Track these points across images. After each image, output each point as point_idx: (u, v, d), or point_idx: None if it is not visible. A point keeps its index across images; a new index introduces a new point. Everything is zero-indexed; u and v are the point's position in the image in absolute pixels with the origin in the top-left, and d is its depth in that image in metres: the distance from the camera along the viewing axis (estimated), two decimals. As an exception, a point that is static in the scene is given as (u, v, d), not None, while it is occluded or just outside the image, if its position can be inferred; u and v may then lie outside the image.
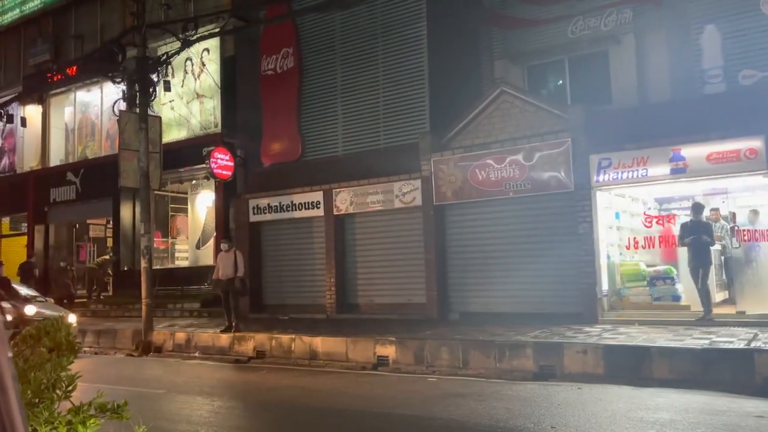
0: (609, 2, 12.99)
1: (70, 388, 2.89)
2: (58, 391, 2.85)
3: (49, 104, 21.90)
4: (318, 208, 14.25)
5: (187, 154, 16.95)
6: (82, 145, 21.33)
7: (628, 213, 11.92)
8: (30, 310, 10.43)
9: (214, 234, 17.31)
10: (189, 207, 19.49)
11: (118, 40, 13.94)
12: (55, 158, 21.77)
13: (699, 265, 9.88)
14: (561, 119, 11.37)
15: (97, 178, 19.33)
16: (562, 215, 11.26)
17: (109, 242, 20.64)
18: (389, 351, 9.83)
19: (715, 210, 11.35)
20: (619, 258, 11.56)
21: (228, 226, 16.42)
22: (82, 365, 8.98)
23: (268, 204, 15.09)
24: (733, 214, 10.97)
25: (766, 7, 10.92)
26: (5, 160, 23.37)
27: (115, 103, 13.98)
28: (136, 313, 14.85)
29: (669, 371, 7.64)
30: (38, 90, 20.61)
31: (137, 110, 13.15)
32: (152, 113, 13.97)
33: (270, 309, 14.99)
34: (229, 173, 16.13)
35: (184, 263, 19.52)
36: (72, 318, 11.27)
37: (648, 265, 11.28)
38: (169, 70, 14.40)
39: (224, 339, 11.74)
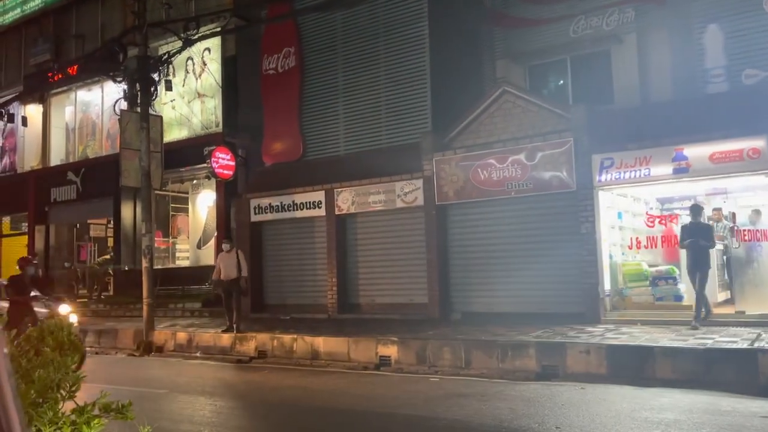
0: (611, 2, 12.96)
1: (74, 388, 2.87)
2: (62, 391, 2.83)
3: (50, 104, 21.88)
4: (319, 207, 14.23)
5: (188, 154, 16.94)
6: (83, 144, 21.32)
7: (630, 213, 11.90)
8: (63, 309, 10.12)
9: (215, 234, 17.29)
10: (190, 207, 19.47)
11: (120, 39, 13.92)
12: (56, 158, 21.75)
13: (696, 269, 9.57)
14: (563, 119, 11.35)
15: (97, 178, 19.33)
16: (564, 215, 11.23)
17: (110, 242, 20.62)
18: (391, 351, 9.81)
19: (718, 210, 11.31)
20: (622, 258, 11.53)
21: (229, 225, 16.40)
22: (84, 365, 8.96)
23: (270, 204, 15.07)
24: (733, 215, 10.94)
25: (769, 6, 10.90)
26: (6, 160, 23.35)
27: (116, 102, 13.97)
28: (137, 313, 14.83)
29: (672, 371, 7.62)
30: (39, 89, 20.59)
31: (138, 110, 13.13)
32: (153, 113, 13.95)
33: (271, 309, 14.97)
34: (231, 173, 16.11)
35: (185, 263, 19.50)
36: (73, 318, 11.24)
37: (650, 265, 11.26)
38: (170, 70, 14.36)
39: (226, 339, 11.72)
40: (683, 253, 10.50)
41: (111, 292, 19.75)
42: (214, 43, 16.92)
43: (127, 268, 18.94)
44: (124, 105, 13.84)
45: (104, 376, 9.03)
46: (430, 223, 12.64)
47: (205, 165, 16.27)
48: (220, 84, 17.13)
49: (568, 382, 7.82)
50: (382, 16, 14.17)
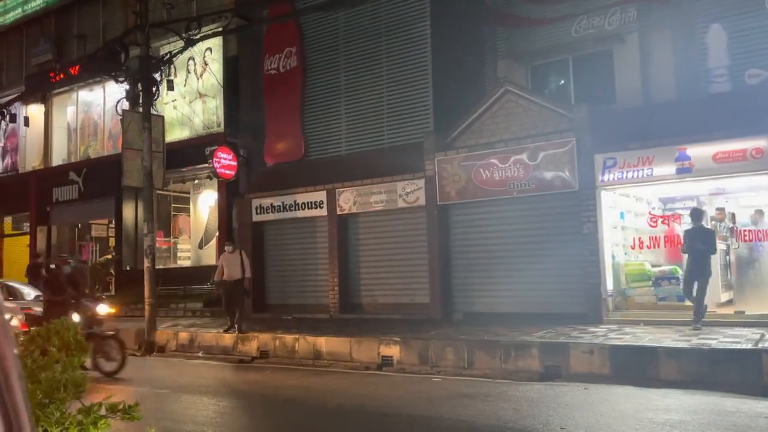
0: (613, 1, 12.96)
1: (80, 388, 2.87)
2: (68, 391, 2.83)
3: (52, 104, 21.88)
4: (321, 207, 14.22)
5: (189, 154, 16.93)
6: (85, 144, 21.31)
7: (632, 213, 11.89)
8: (102, 309, 9.91)
9: (217, 234, 17.29)
10: (191, 207, 19.46)
11: (121, 39, 13.90)
12: (58, 158, 21.75)
13: (694, 276, 9.33)
14: (565, 119, 11.33)
15: (99, 178, 19.32)
16: (566, 215, 11.22)
17: (112, 242, 20.61)
18: (393, 351, 9.80)
19: (720, 209, 11.27)
20: (624, 258, 11.52)
21: (231, 225, 16.39)
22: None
23: (271, 204, 15.06)
24: (732, 215, 10.90)
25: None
26: (8, 160, 23.35)
27: (118, 102, 13.95)
28: (138, 313, 14.83)
29: (676, 372, 7.61)
30: (41, 89, 20.59)
31: (140, 109, 13.13)
32: (155, 112, 13.94)
33: (273, 309, 14.96)
34: (232, 173, 16.10)
35: (187, 263, 19.49)
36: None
37: (653, 265, 11.26)
38: (172, 70, 14.35)
39: (228, 339, 11.71)
40: (686, 257, 10.44)
41: (112, 292, 19.74)
42: (216, 43, 16.91)
43: (128, 268, 18.93)
44: (125, 105, 13.83)
45: (101, 375, 9.03)
46: (432, 223, 12.63)
47: (206, 165, 16.26)
48: (222, 84, 17.12)
49: (571, 382, 7.81)
50: (384, 16, 14.16)
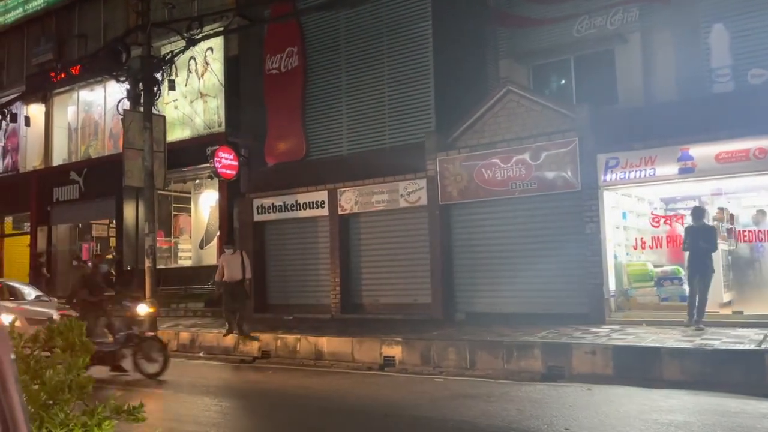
0: (615, 1, 12.93)
1: (85, 389, 2.85)
2: (73, 392, 2.80)
3: (52, 103, 21.85)
4: (322, 207, 14.20)
5: (190, 154, 16.90)
6: (85, 144, 21.28)
7: (634, 213, 11.86)
8: (142, 309, 9.66)
9: (218, 234, 17.27)
10: (192, 206, 19.43)
11: (123, 38, 13.88)
12: (58, 157, 21.72)
13: (696, 273, 9.26)
14: (568, 118, 11.31)
15: (100, 178, 19.28)
16: (568, 215, 11.20)
17: (112, 242, 20.59)
18: (395, 351, 9.78)
19: (722, 209, 11.24)
20: (626, 258, 11.49)
21: (232, 225, 16.37)
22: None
23: (273, 203, 15.04)
24: (731, 215, 10.86)
25: (775, 5, 10.86)
26: (8, 160, 23.32)
27: (119, 102, 13.92)
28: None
29: (679, 372, 7.59)
30: (41, 89, 20.55)
31: (141, 109, 13.10)
32: (156, 112, 13.91)
33: (274, 309, 14.94)
34: (234, 173, 16.07)
35: (188, 263, 19.46)
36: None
37: (655, 266, 11.23)
38: (173, 69, 14.32)
39: (229, 339, 11.69)
40: (687, 255, 10.44)
41: (113, 292, 19.71)
42: (217, 42, 16.88)
43: (129, 268, 18.91)
44: (127, 105, 13.81)
45: (108, 376, 9.01)
46: (434, 223, 12.61)
47: (207, 165, 16.22)
48: (223, 84, 17.09)
49: (574, 383, 7.78)
50: (385, 16, 14.13)
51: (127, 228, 19.14)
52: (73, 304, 15.48)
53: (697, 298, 9.36)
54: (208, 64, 17.49)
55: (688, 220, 10.15)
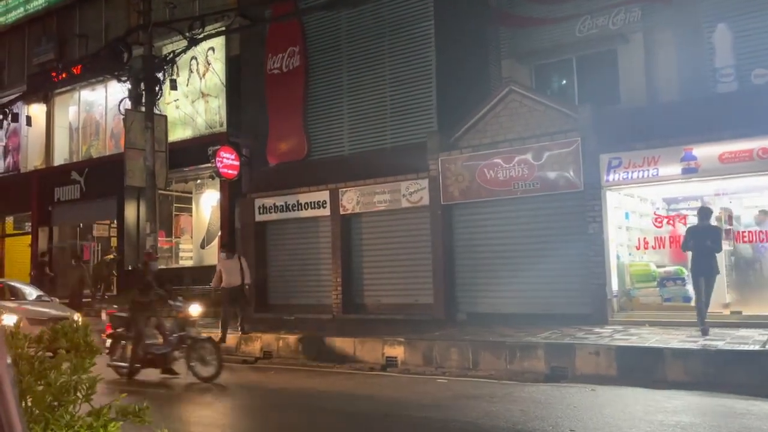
0: (617, 1, 12.91)
1: (90, 390, 2.82)
2: (78, 394, 2.78)
3: (54, 103, 21.82)
4: (324, 207, 14.18)
5: (192, 154, 16.86)
6: (87, 144, 21.25)
7: (637, 213, 11.84)
8: (194, 310, 9.19)
9: (219, 233, 17.24)
10: (193, 206, 19.40)
11: (124, 38, 13.86)
12: (59, 157, 21.69)
13: (701, 274, 9.09)
14: (570, 118, 11.29)
15: (101, 178, 19.25)
16: (571, 215, 11.17)
17: (113, 242, 20.57)
18: (398, 352, 9.76)
19: (724, 210, 11.19)
20: (629, 258, 11.47)
21: (233, 225, 16.34)
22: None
23: (274, 203, 15.02)
24: (729, 216, 10.81)
25: (778, 5, 10.83)
26: (9, 159, 23.30)
27: (121, 101, 13.92)
28: (141, 313, 14.75)
29: (683, 373, 7.57)
30: (43, 89, 20.52)
31: (143, 109, 13.09)
32: (158, 112, 13.90)
33: (275, 309, 14.91)
34: (235, 172, 16.04)
35: (189, 263, 19.43)
36: (76, 317, 11.16)
37: (658, 266, 11.20)
38: (175, 69, 14.31)
39: (231, 339, 11.66)
40: (689, 255, 10.38)
41: (114, 292, 19.70)
42: (218, 42, 16.85)
43: (130, 268, 18.88)
44: (128, 104, 13.79)
45: (110, 376, 8.98)
46: (436, 223, 12.59)
47: (209, 165, 16.19)
48: (224, 83, 17.06)
49: (577, 383, 7.76)
50: (387, 16, 14.11)
51: (128, 228, 19.11)
52: (73, 304, 15.49)
53: (705, 299, 9.24)
54: (209, 63, 17.47)
55: (692, 221, 10.11)
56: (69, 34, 21.35)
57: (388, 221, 13.58)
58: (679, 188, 11.14)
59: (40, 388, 2.76)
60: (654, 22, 12.62)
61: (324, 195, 14.17)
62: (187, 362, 8.78)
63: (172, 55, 13.49)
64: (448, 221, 12.56)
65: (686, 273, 10.72)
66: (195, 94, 17.98)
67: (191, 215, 19.55)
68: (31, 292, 13.97)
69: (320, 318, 13.61)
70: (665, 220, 11.15)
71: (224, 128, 17.09)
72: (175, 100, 17.80)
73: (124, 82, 13.64)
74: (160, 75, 13.43)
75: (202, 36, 12.95)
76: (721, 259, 10.15)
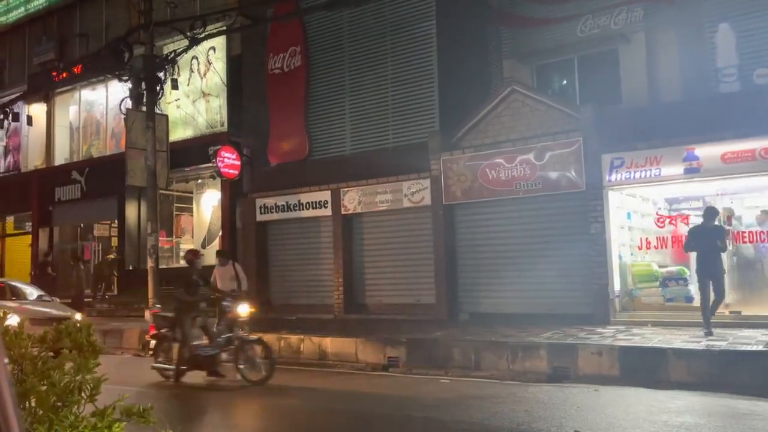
0: (619, 1, 12.90)
1: (94, 391, 2.80)
2: (83, 394, 2.76)
3: (54, 103, 21.82)
4: (326, 207, 14.16)
5: (193, 153, 16.86)
6: (87, 143, 21.25)
7: (639, 213, 11.82)
8: (243, 310, 8.69)
9: (220, 233, 17.23)
10: (194, 206, 19.40)
11: (125, 38, 13.84)
12: (60, 157, 21.69)
13: (707, 274, 9.01)
14: (572, 118, 11.27)
15: (101, 177, 19.24)
16: (573, 215, 11.16)
17: (114, 241, 20.55)
18: (400, 352, 9.73)
19: (724, 209, 11.15)
20: (631, 258, 11.45)
21: (234, 225, 16.33)
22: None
23: (275, 203, 15.00)
24: (728, 217, 10.78)
25: (781, 5, 10.81)
26: (9, 159, 23.29)
27: (122, 101, 13.89)
28: (141, 313, 14.74)
29: (686, 373, 7.54)
30: (43, 88, 20.52)
31: (144, 109, 13.07)
32: (159, 112, 13.88)
33: (277, 309, 14.89)
34: (236, 172, 16.03)
35: (189, 263, 19.40)
36: (77, 317, 11.13)
37: (660, 266, 11.18)
38: (176, 69, 14.29)
39: (232, 339, 11.62)
40: (692, 256, 10.36)
41: (115, 292, 19.68)
42: (219, 42, 16.84)
43: (131, 268, 18.87)
44: (129, 104, 13.77)
45: (111, 377, 8.94)
46: (438, 223, 12.57)
47: (210, 164, 16.19)
48: (226, 83, 17.06)
49: (580, 383, 7.74)
50: (388, 15, 14.09)
51: (129, 228, 19.11)
52: (75, 304, 15.46)
53: (714, 300, 9.17)
54: (210, 63, 17.46)
55: (694, 221, 10.09)
56: (69, 33, 21.35)
57: (389, 221, 13.56)
58: (681, 188, 11.12)
59: (44, 388, 2.74)
60: (656, 21, 12.60)
61: (325, 195, 14.16)
62: (236, 364, 8.40)
63: (173, 54, 13.47)
64: (449, 221, 12.54)
65: (688, 273, 10.72)
66: (196, 93, 17.96)
67: (192, 215, 19.54)
68: (32, 292, 13.96)
69: (322, 318, 13.59)
70: (667, 220, 11.12)
71: (225, 128, 17.08)
72: (176, 100, 17.79)
73: (125, 81, 13.61)
74: (161, 74, 13.40)
75: (203, 35, 12.92)
76: (724, 260, 10.16)
